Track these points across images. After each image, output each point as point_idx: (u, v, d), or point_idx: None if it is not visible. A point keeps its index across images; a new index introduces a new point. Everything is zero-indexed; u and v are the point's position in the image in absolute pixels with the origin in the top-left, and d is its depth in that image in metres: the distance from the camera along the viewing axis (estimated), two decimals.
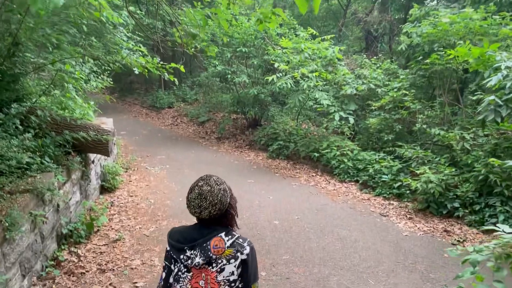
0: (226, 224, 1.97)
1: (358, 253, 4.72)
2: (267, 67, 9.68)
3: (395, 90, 7.81)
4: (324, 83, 8.54)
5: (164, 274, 1.98)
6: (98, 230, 5.08)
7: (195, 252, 1.88)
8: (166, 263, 1.97)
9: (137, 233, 5.12)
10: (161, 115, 13.93)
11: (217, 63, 9.72)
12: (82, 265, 4.25)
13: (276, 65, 7.99)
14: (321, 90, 8.27)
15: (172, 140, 10.61)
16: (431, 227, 5.50)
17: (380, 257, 4.64)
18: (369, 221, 5.70)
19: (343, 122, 8.46)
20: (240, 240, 1.91)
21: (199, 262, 1.86)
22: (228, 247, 1.87)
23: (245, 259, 1.88)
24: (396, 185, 6.49)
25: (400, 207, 6.18)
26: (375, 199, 6.53)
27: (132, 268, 4.26)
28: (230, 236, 1.90)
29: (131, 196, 6.43)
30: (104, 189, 6.53)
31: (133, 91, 17.75)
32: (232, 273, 1.88)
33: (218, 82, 12.95)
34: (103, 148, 5.42)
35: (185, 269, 1.91)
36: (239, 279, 1.90)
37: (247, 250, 1.89)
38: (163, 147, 9.74)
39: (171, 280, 1.96)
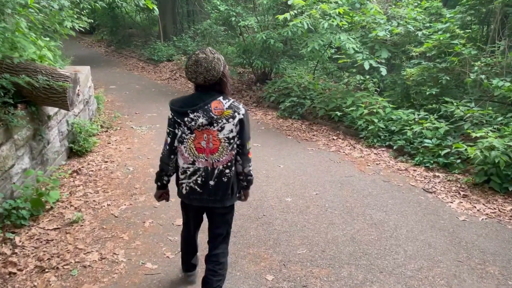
0: (221, 91, 2.26)
1: (402, 247, 3.47)
2: (279, 8, 8.15)
3: (440, 32, 6.29)
4: (350, 25, 7.03)
5: (169, 139, 2.32)
6: (51, 208, 3.88)
7: (197, 114, 2.18)
8: (170, 129, 2.30)
9: (103, 213, 3.92)
10: (158, 69, 12.54)
11: (218, 3, 8.19)
12: (15, 260, 3.07)
13: (290, 1, 6.47)
14: (344, 31, 6.79)
15: (167, 95, 9.28)
16: (495, 209, 4.20)
17: (434, 253, 3.39)
18: (410, 199, 4.42)
19: (366, 77, 7.02)
20: (236, 103, 2.26)
21: (202, 122, 2.18)
22: (226, 108, 2.19)
23: (241, 119, 2.24)
24: (442, 153, 5.14)
25: (449, 180, 4.87)
26: (414, 170, 5.21)
27: (84, 266, 3.08)
28: (227, 100, 2.23)
29: (106, 162, 5.20)
30: (73, 153, 5.30)
31: (130, 44, 16.28)
32: (231, 131, 2.22)
33: (223, 31, 11.44)
34: (59, 99, 4.13)
35: (189, 131, 2.24)
36: (237, 136, 2.25)
37: (242, 110, 2.25)
38: (155, 103, 8.43)
39: (176, 143, 2.31)
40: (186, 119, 2.20)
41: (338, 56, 7.70)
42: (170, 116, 2.27)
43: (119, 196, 4.29)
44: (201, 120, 2.17)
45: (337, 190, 4.58)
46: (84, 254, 3.22)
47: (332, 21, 6.19)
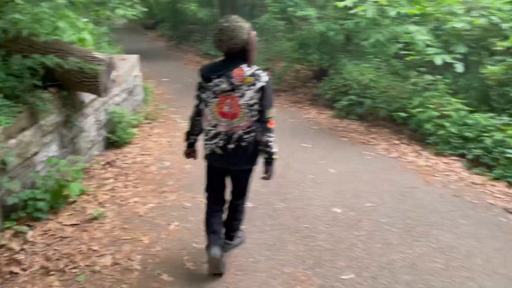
0: (245, 58, 2.35)
1: (476, 281, 2.76)
2: None
3: None
4: (422, 17, 6.21)
5: (196, 102, 2.54)
6: (74, 201, 3.59)
7: (221, 80, 2.33)
8: (198, 92, 2.50)
9: (127, 210, 3.58)
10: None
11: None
12: (22, 258, 2.78)
13: None
14: (413, 22, 6.00)
15: None
16: None
17: None
18: (488, 221, 3.64)
19: (437, 77, 6.16)
20: (259, 71, 2.35)
21: (225, 88, 2.33)
22: (248, 75, 2.30)
23: (263, 86, 2.33)
24: None
25: None
26: (493, 185, 4.37)
27: (94, 271, 2.72)
28: (250, 68, 2.33)
29: (143, 155, 4.90)
30: (111, 144, 5.06)
31: (190, 39, 16.26)
32: (252, 98, 2.33)
33: (282, 26, 10.92)
34: (91, 83, 3.85)
35: (213, 96, 2.39)
36: (259, 103, 2.35)
37: (265, 78, 2.35)
38: None
39: (201, 106, 2.50)
40: (210, 84, 2.37)
41: (406, 52, 6.87)
42: (199, 81, 2.46)
43: (148, 192, 3.93)
44: (224, 86, 2.33)
45: (396, 203, 3.90)
46: (96, 256, 2.87)
47: (400, 9, 5.44)
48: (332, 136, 6.04)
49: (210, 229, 2.70)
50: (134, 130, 5.34)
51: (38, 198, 3.23)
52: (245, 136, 2.42)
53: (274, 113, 2.42)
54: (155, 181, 4.21)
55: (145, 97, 7.17)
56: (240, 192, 2.75)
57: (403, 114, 5.87)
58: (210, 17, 17.58)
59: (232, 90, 2.33)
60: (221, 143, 2.46)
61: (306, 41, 8.00)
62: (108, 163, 4.55)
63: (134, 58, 6.40)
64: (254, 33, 2.40)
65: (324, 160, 5.03)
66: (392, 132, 6.14)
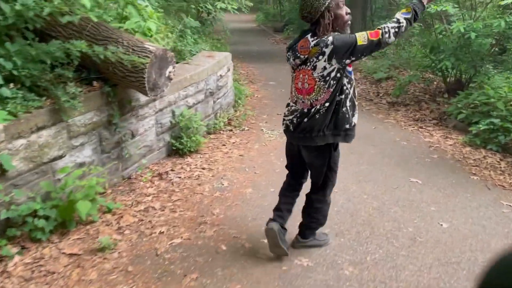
0: (319, 29, 2.19)
1: None
2: None
3: None
4: None
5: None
6: (91, 222, 2.98)
7: (290, 53, 2.32)
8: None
9: (145, 243, 2.83)
10: None
11: None
12: None
13: None
14: None
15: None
16: None
17: None
18: None
19: None
20: (324, 37, 2.16)
21: (296, 62, 2.28)
22: (313, 46, 2.17)
23: (333, 47, 2.12)
24: None
25: None
26: None
27: None
28: (316, 37, 2.18)
29: (203, 168, 4.16)
30: (174, 151, 4.44)
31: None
32: (324, 68, 2.17)
33: (417, 29, 9.31)
34: (136, 79, 3.22)
35: (292, 70, 2.38)
36: (337, 69, 2.16)
37: (330, 39, 2.13)
38: None
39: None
40: (287, 58, 2.36)
41: None
42: None
43: (184, 221, 3.14)
44: (295, 60, 2.29)
45: None
46: None
47: None
48: (457, 171, 4.51)
49: (276, 205, 2.73)
50: (202, 137, 4.63)
51: (39, 215, 2.67)
52: (323, 109, 2.28)
53: (363, 36, 2.16)
54: (200, 206, 3.41)
55: (236, 100, 6.52)
56: (315, 178, 2.59)
57: None
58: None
59: (304, 63, 2.25)
60: (296, 120, 2.37)
61: (439, 43, 6.41)
62: (159, 174, 3.90)
63: (223, 55, 5.74)
64: (336, 4, 2.20)
65: (437, 206, 3.64)
66: None
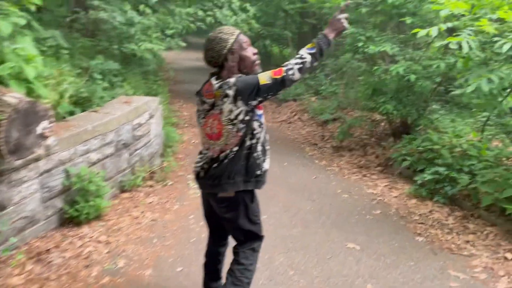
0: (223, 72, 2.14)
1: None
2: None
3: None
4: None
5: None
6: None
7: (198, 98, 2.27)
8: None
9: None
10: (280, 109, 10.83)
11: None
12: None
13: (443, 12, 3.87)
14: None
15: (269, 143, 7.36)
16: None
17: None
18: None
19: None
20: (228, 79, 2.08)
21: (204, 107, 2.20)
22: (216, 89, 2.10)
23: (236, 88, 2.03)
24: None
25: None
26: None
27: None
28: (220, 80, 2.12)
29: (99, 242, 3.44)
30: (67, 220, 3.68)
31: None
32: (231, 111, 2.06)
33: (363, 67, 9.14)
34: None
35: (202, 116, 2.24)
36: (243, 111, 2.05)
37: (232, 81, 2.05)
38: None
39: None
40: (197, 104, 2.30)
41: None
42: None
43: None
44: (201, 104, 2.24)
45: None
46: None
47: None
48: (401, 231, 4.01)
49: (204, 268, 2.61)
50: (106, 200, 3.91)
51: None
52: (231, 153, 2.16)
53: (266, 75, 2.07)
54: None
55: (166, 148, 5.87)
56: (235, 235, 2.41)
57: None
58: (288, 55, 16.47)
59: (212, 108, 2.17)
60: (205, 166, 2.26)
61: (379, 86, 6.11)
62: (37, 254, 3.14)
63: (143, 101, 5.13)
64: (240, 46, 2.14)
65: (374, 282, 3.07)
66: (502, 234, 3.89)
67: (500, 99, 4.69)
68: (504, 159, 4.98)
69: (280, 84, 2.07)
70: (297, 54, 2.13)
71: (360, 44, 5.80)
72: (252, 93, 2.05)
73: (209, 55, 2.14)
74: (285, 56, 14.78)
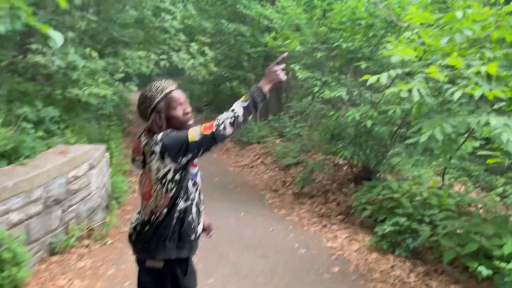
0: (152, 128, 2.00)
1: None
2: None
3: None
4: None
5: None
6: None
7: (131, 155, 2.16)
8: None
9: None
10: (243, 152, 10.57)
11: (296, 68, 5.88)
12: None
13: (394, 58, 3.74)
14: (496, 110, 3.74)
15: (227, 190, 7.03)
16: None
17: None
18: None
19: None
20: (155, 135, 1.94)
21: (137, 164, 2.10)
22: (144, 145, 1.99)
23: (161, 146, 1.89)
24: None
25: None
26: None
27: None
28: (147, 136, 2.00)
29: None
30: None
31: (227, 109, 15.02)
32: (158, 169, 1.92)
33: (326, 110, 9.07)
34: None
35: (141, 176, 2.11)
36: (172, 170, 1.92)
37: (159, 137, 1.92)
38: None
39: None
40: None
41: (486, 153, 4.56)
42: None
43: None
44: (135, 161, 2.14)
45: None
46: None
47: (473, 89, 3.24)
48: None
49: None
50: (26, 268, 3.42)
51: None
52: (160, 217, 1.97)
53: (196, 131, 1.91)
54: None
55: (112, 201, 5.43)
56: None
57: (485, 271, 3.37)
58: None
59: (144, 165, 2.04)
60: (138, 228, 2.06)
61: (338, 130, 5.95)
62: None
63: (83, 150, 4.74)
64: (168, 105, 2.02)
65: None
66: None
67: (459, 142, 4.57)
68: (465, 207, 4.81)
69: (211, 140, 1.91)
70: (231, 107, 2.00)
71: (316, 89, 5.65)
72: (181, 150, 1.90)
73: (140, 110, 2.07)
74: None
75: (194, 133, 1.91)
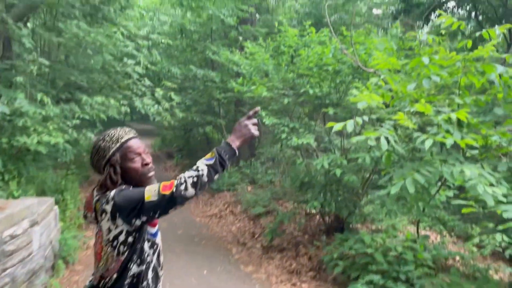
0: (105, 182, 1.82)
1: None
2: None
3: None
4: (484, 149, 3.78)
5: None
6: None
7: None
8: None
9: None
10: (213, 200, 10.13)
11: (264, 114, 5.67)
12: None
13: (360, 104, 3.54)
14: (468, 158, 3.55)
15: (191, 244, 6.55)
16: None
17: None
18: None
19: None
20: (108, 192, 1.78)
21: (90, 222, 1.93)
22: (95, 201, 1.82)
23: (113, 205, 1.71)
24: None
25: None
26: None
27: None
28: (100, 192, 1.83)
29: None
30: None
31: (198, 158, 14.63)
32: (109, 230, 1.75)
33: (298, 156, 8.86)
34: None
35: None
36: (121, 234, 1.73)
37: (111, 194, 1.74)
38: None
39: None
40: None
41: (461, 202, 4.33)
42: None
43: None
44: (85, 218, 1.98)
45: None
46: None
47: (444, 138, 3.04)
48: None
49: None
50: None
51: None
52: (109, 283, 1.78)
53: (154, 190, 1.72)
54: None
55: (59, 261, 4.89)
56: None
57: None
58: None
59: (96, 223, 1.84)
60: None
61: (307, 178, 5.67)
62: None
63: (25, 205, 4.26)
64: (124, 156, 1.84)
65: None
66: None
67: (432, 191, 4.34)
68: (443, 260, 4.52)
69: (169, 201, 1.70)
70: (195, 165, 1.82)
71: (283, 135, 5.41)
72: (134, 211, 1.70)
73: (91, 163, 1.91)
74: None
75: (151, 193, 1.72)
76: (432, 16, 11.43)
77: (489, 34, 3.24)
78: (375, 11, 16.01)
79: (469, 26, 11.97)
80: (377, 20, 14.74)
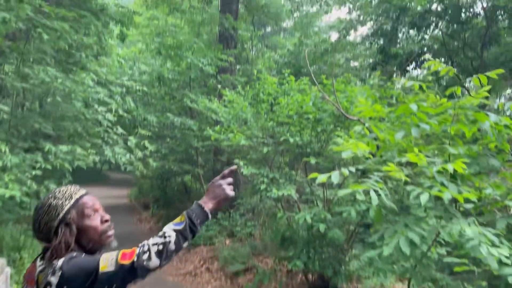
0: (53, 250, 1.53)
1: None
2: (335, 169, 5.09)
3: None
4: (480, 204, 3.50)
5: None
6: None
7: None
8: None
9: None
10: (188, 256, 9.52)
11: (242, 163, 5.34)
12: None
13: (344, 154, 3.27)
14: (462, 213, 3.26)
15: None
16: None
17: None
18: None
19: None
20: (55, 260, 1.51)
21: None
22: (39, 273, 1.53)
23: (60, 276, 1.45)
24: None
25: None
26: None
27: None
28: (45, 260, 1.54)
29: None
30: None
31: (175, 208, 13.99)
32: None
33: (279, 207, 8.48)
34: None
35: None
36: None
37: (59, 263, 1.48)
38: None
39: None
40: None
41: (454, 260, 4.00)
42: None
43: None
44: None
45: None
46: None
47: (440, 192, 2.75)
48: None
49: None
50: None
51: None
52: None
53: (111, 258, 1.48)
54: None
55: None
56: None
57: None
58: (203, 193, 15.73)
59: None
60: None
61: (290, 233, 5.27)
62: None
63: None
64: (80, 213, 1.61)
65: None
66: None
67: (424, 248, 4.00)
68: None
69: (129, 273, 1.48)
70: (162, 231, 1.62)
71: (262, 187, 5.06)
72: (86, 283, 1.46)
73: (36, 228, 1.60)
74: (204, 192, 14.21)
75: (107, 262, 1.49)
76: (409, 68, 11.66)
77: (480, 80, 3.05)
78: (353, 63, 16.41)
79: (444, 78, 12.25)
80: (355, 71, 15.03)
